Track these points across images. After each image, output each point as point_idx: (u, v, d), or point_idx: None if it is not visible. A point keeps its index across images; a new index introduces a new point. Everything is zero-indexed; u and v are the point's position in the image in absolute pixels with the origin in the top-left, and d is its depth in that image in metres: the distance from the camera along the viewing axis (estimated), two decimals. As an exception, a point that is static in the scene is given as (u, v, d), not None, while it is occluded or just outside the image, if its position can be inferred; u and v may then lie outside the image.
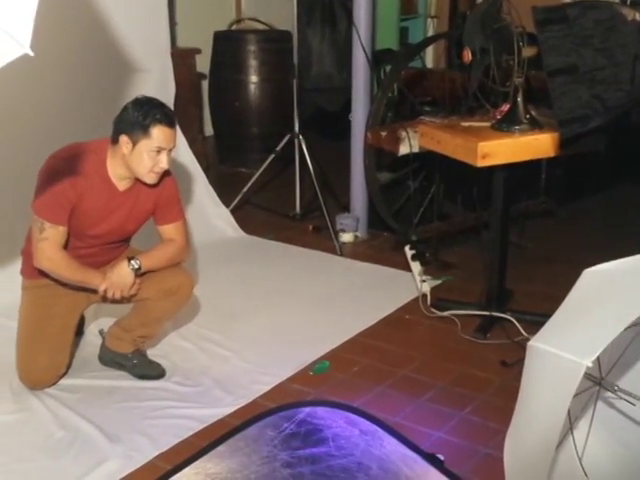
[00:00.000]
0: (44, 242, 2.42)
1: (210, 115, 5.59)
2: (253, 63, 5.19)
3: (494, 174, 2.96)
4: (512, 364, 2.74)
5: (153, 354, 2.89)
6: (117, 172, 2.49)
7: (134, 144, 2.40)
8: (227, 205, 4.31)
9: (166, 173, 2.57)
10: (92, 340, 2.98)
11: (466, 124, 2.90)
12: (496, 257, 3.07)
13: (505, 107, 2.85)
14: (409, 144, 3.21)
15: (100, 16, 3.44)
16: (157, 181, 2.50)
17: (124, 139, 2.41)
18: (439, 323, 3.16)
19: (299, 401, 2.46)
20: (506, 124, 2.81)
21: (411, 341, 3.05)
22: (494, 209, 3.01)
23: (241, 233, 4.24)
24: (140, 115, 2.38)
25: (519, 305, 3.21)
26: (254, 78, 5.21)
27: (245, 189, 4.35)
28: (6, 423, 2.49)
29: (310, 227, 4.30)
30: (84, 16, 3.43)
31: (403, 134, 3.20)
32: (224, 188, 4.51)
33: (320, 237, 4.16)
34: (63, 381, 2.72)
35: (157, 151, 2.40)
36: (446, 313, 3.17)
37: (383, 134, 3.29)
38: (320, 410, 2.36)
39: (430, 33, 6.21)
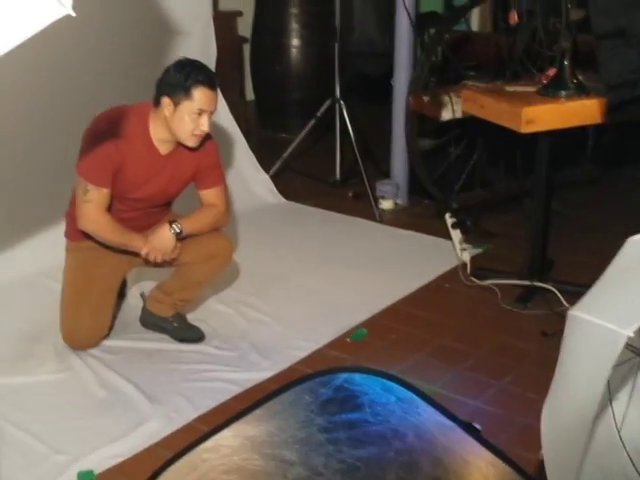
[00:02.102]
0: (88, 204, 2.44)
1: (251, 79, 5.57)
2: (295, 26, 5.13)
3: (538, 140, 2.89)
4: (552, 335, 2.70)
5: (193, 318, 2.92)
6: (159, 135, 2.49)
7: (176, 106, 2.40)
8: (267, 171, 4.31)
9: (207, 137, 2.57)
10: (134, 303, 3.02)
11: (511, 89, 2.83)
12: (539, 226, 3.02)
13: (551, 72, 2.78)
14: (452, 109, 3.15)
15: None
16: (198, 144, 2.50)
17: (166, 101, 2.41)
18: (479, 292, 3.14)
19: (336, 367, 2.46)
20: (552, 89, 2.73)
21: (450, 310, 3.03)
22: (537, 177, 2.95)
23: (280, 199, 4.23)
24: (182, 76, 2.38)
25: (561, 275, 3.16)
26: (296, 42, 5.17)
27: (285, 155, 4.34)
28: (50, 382, 2.56)
29: (350, 194, 4.28)
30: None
31: (446, 99, 3.14)
32: (264, 153, 4.49)
33: (360, 204, 4.14)
34: (105, 342, 2.77)
35: (198, 113, 2.40)
36: (486, 282, 3.13)
37: (425, 99, 3.24)
38: (357, 376, 2.36)
39: (477, -3, 6.05)
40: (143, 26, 3.55)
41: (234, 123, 4.18)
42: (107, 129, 2.45)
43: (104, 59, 3.43)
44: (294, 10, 5.12)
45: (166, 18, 3.62)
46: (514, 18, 2.60)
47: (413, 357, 2.69)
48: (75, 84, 3.34)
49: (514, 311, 2.97)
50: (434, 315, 2.99)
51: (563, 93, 2.72)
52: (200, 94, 2.39)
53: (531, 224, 3.11)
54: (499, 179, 3.88)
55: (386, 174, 4.23)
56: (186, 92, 2.38)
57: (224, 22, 4.56)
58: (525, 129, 2.64)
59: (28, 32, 1.24)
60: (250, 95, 5.72)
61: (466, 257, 3.27)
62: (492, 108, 2.74)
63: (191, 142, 2.47)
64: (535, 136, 2.86)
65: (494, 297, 3.07)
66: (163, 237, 2.54)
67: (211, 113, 2.44)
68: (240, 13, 4.90)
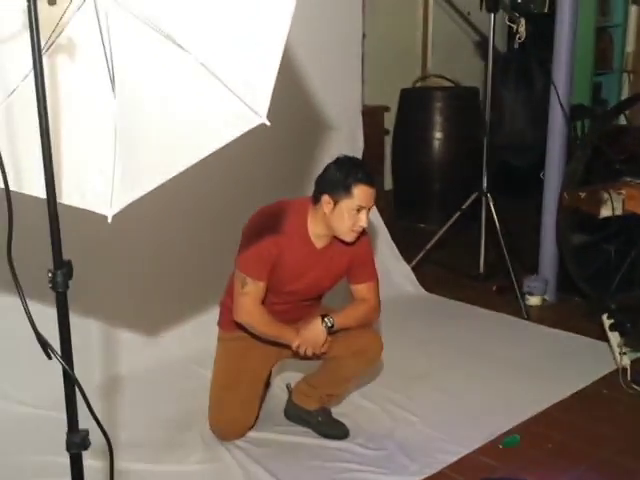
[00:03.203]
0: (245, 297, 2.48)
1: (391, 170, 5.62)
2: (438, 119, 5.17)
3: None
4: None
5: (336, 412, 2.86)
6: (317, 231, 2.52)
7: (335, 203, 2.42)
8: (407, 261, 4.27)
9: (362, 232, 2.58)
10: (277, 393, 3.01)
11: (679, 188, 2.69)
12: None
13: None
14: (611, 207, 3.02)
15: (298, 76, 3.56)
16: (355, 239, 2.51)
17: (326, 199, 2.44)
18: (641, 401, 2.92)
19: (497, 478, 2.34)
20: None
21: (611, 419, 2.83)
22: None
23: (421, 290, 4.17)
24: (342, 175, 2.41)
25: None
26: (438, 134, 5.19)
27: (429, 246, 4.30)
28: (198, 473, 2.55)
29: (494, 287, 4.16)
30: (285, 77, 3.55)
31: (605, 196, 3.02)
32: (402, 244, 4.47)
33: (504, 299, 4.01)
34: (250, 433, 2.75)
35: (357, 210, 2.42)
36: (651, 391, 2.92)
37: (582, 195, 3.13)
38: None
39: (625, 88, 5.93)
40: (298, 122, 3.66)
41: (377, 213, 4.20)
42: (267, 224, 2.50)
43: (266, 156, 3.52)
44: (438, 104, 5.17)
45: (319, 114, 3.73)
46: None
47: (571, 471, 2.51)
48: (237, 180, 3.45)
49: (684, 425, 2.74)
50: (593, 424, 2.79)
51: None
52: (360, 192, 2.41)
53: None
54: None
55: (531, 269, 4.10)
56: (346, 190, 2.40)
57: (371, 116, 4.64)
58: (699, 230, 2.48)
59: (224, 139, 1.28)
60: (388, 185, 5.77)
61: (626, 362, 3.07)
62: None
63: (349, 238, 2.48)
64: None
65: (659, 408, 2.85)
66: (315, 331, 2.53)
67: (369, 209, 2.45)
68: (387, 108, 4.99)
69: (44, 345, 1.18)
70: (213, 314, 2.97)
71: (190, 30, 1.36)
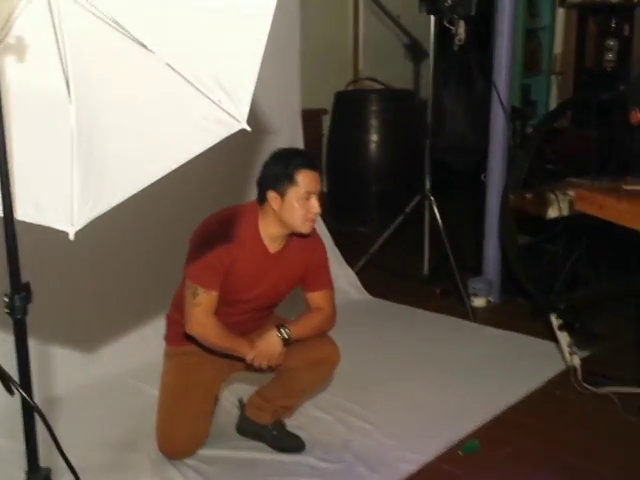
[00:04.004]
0: (197, 308, 2.36)
1: (326, 173, 5.55)
2: (374, 123, 5.14)
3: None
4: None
5: (291, 425, 2.76)
6: (270, 231, 2.42)
7: (282, 196, 2.34)
8: (350, 266, 4.21)
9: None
10: (227, 407, 2.89)
11: (629, 187, 2.71)
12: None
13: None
14: (558, 207, 3.03)
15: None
16: (312, 230, 2.43)
17: (272, 195, 2.35)
18: (595, 400, 2.93)
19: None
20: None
21: (566, 420, 2.83)
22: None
23: (367, 295, 4.12)
24: (282, 166, 2.34)
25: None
26: (375, 137, 5.16)
27: (373, 250, 4.25)
28: (148, 496, 2.42)
29: (438, 290, 4.14)
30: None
31: (552, 197, 3.03)
32: (341, 248, 4.39)
33: (449, 301, 4.00)
34: (201, 451, 2.62)
35: (306, 198, 2.34)
36: (603, 390, 2.93)
37: (528, 196, 3.13)
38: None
39: (554, 90, 6.04)
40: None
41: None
42: (217, 232, 2.39)
43: (209, 163, 3.41)
44: (374, 107, 5.14)
45: (259, 118, 3.63)
46: (637, 117, 2.50)
47: (534, 476, 2.49)
48: (174, 189, 3.32)
49: (638, 423, 2.75)
50: (549, 426, 2.79)
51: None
52: (304, 177, 2.33)
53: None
54: (598, 278, 3.71)
55: (474, 271, 4.10)
56: (290, 179, 2.32)
57: (311, 120, 4.57)
58: (653, 230, 2.50)
59: (199, 147, 1.19)
60: (324, 188, 5.70)
61: (576, 361, 3.07)
62: (612, 208, 2.62)
63: (305, 228, 2.39)
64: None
65: (613, 407, 2.85)
66: (270, 342, 2.43)
67: (318, 194, 2.37)
68: (325, 111, 4.92)
69: (6, 380, 1.04)
70: (156, 327, 2.85)
71: (152, 27, 1.25)
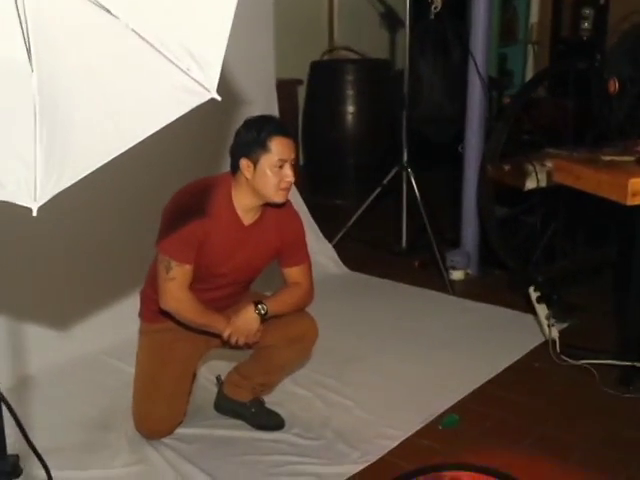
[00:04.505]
0: (171, 282, 2.30)
1: (302, 145, 5.48)
2: (350, 93, 5.07)
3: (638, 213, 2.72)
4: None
5: (270, 402, 2.73)
6: (243, 202, 2.36)
7: (255, 164, 2.28)
8: (327, 239, 4.17)
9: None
10: (205, 385, 2.85)
11: (607, 158, 2.68)
12: (637, 303, 2.83)
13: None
14: (536, 178, 3.00)
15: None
16: (286, 199, 2.37)
17: (244, 163, 2.29)
18: (573, 373, 2.92)
19: (440, 464, 2.28)
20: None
21: (545, 393, 2.82)
22: (637, 250, 2.76)
23: (345, 269, 4.08)
24: (254, 133, 2.27)
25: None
26: (351, 108, 5.09)
27: (350, 223, 4.20)
28: (125, 476, 2.37)
29: (416, 263, 4.12)
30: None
31: (530, 168, 3.00)
32: (317, 221, 4.35)
33: (427, 274, 3.98)
34: (179, 430, 2.58)
35: (280, 166, 2.28)
36: (581, 362, 2.93)
37: (506, 168, 3.10)
38: (465, 475, 2.17)
39: (530, 60, 6.00)
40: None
41: (295, 190, 4.06)
42: (190, 204, 2.33)
43: (182, 134, 3.34)
44: (350, 77, 5.07)
45: (232, 88, 3.54)
46: (615, 86, 2.46)
47: (513, 449, 2.48)
48: (145, 161, 3.25)
49: (617, 395, 2.75)
50: (528, 399, 2.78)
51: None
52: (277, 144, 2.27)
53: (630, 300, 2.90)
54: (576, 249, 3.71)
55: (452, 243, 4.08)
56: (262, 146, 2.26)
57: (285, 90, 4.48)
58: (631, 202, 2.48)
59: (168, 117, 1.12)
60: (299, 160, 5.63)
61: (555, 334, 3.06)
62: (590, 179, 2.59)
63: (279, 197, 2.33)
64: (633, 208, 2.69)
65: (591, 378, 2.85)
66: (248, 318, 2.38)
67: (291, 163, 2.31)
68: (301, 81, 4.84)
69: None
70: (131, 304, 2.78)
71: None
